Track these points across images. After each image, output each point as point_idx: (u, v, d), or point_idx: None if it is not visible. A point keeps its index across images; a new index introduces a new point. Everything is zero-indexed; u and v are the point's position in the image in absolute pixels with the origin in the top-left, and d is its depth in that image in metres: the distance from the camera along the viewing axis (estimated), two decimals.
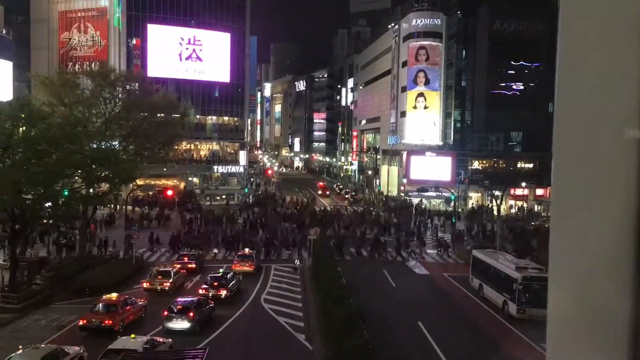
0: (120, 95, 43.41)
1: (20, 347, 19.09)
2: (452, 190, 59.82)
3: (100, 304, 23.66)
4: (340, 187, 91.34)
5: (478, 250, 33.91)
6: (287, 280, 33.15)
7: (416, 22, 71.53)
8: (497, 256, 30.97)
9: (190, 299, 24.99)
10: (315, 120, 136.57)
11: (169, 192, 58.35)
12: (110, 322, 22.70)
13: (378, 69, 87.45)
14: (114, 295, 24.93)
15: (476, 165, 70.36)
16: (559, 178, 1.45)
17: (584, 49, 1.37)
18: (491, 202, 63.20)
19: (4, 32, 70.60)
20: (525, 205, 66.26)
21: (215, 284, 28.18)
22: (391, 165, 79.98)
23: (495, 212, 50.81)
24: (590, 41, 1.36)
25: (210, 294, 27.16)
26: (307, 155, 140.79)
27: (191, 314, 23.16)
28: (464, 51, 70.11)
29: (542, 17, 63.99)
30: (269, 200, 68.17)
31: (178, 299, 24.85)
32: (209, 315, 24.83)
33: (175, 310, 23.36)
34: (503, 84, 68.53)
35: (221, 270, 31.08)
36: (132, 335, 20.25)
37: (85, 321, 22.89)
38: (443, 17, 70.74)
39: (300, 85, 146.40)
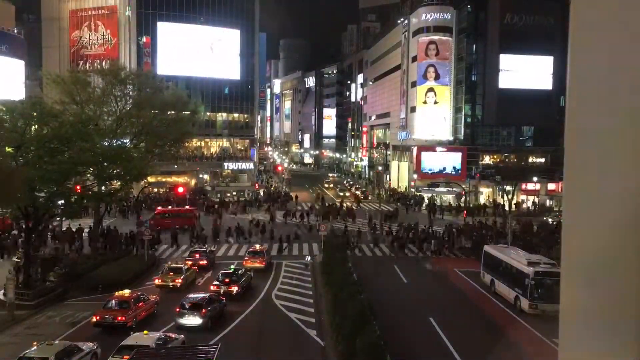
0: (131, 93, 43.61)
1: (35, 343, 19.30)
2: (463, 186, 59.66)
3: (113, 301, 23.92)
4: (351, 183, 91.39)
5: (489, 246, 33.81)
6: (298, 276, 33.21)
7: (426, 16, 71.18)
8: (508, 251, 30.83)
9: (201, 295, 25.20)
10: (324, 117, 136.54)
11: (180, 189, 58.71)
12: (123, 318, 22.95)
13: (388, 65, 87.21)
14: (126, 291, 25.20)
15: (487, 160, 70.06)
16: (571, 172, 1.44)
17: (595, 43, 1.36)
18: (502, 197, 62.95)
19: (16, 31, 71.18)
20: (537, 200, 65.95)
21: (227, 280, 28.33)
22: (401, 160, 79.81)
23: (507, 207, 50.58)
24: (602, 35, 1.35)
25: (222, 290, 27.33)
26: (317, 152, 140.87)
27: (203, 310, 23.36)
28: (474, 45, 69.72)
29: (553, 10, 63.50)
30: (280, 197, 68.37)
31: (189, 296, 25.06)
32: (221, 312, 25.02)
33: (187, 307, 23.54)
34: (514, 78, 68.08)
35: (232, 266, 31.26)
36: (145, 332, 20.45)
37: (98, 317, 23.15)
38: (453, 11, 70.34)
39: (310, 82, 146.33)
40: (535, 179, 64.31)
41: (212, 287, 28.00)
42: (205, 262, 34.41)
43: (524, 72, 68.06)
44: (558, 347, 1.51)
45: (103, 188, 35.80)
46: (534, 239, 42.85)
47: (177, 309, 23.73)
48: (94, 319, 23.17)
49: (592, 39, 1.38)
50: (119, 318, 22.94)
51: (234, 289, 27.80)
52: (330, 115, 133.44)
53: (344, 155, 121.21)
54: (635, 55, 1.31)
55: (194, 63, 75.22)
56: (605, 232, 1.37)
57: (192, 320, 23.24)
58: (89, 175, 34.55)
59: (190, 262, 33.03)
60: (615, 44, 1.33)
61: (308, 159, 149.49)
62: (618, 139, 1.35)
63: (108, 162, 34.01)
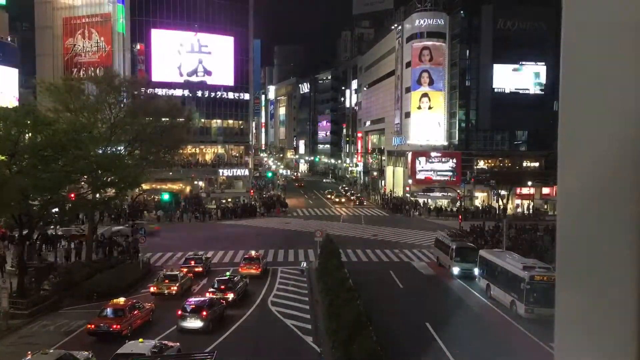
0: (125, 101, 43.53)
1: (29, 352, 19.15)
2: (458, 190, 59.76)
3: (108, 309, 23.81)
4: (346, 189, 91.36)
5: (485, 250, 33.79)
6: (294, 282, 33.13)
7: (419, 22, 71.49)
8: (504, 256, 30.84)
9: (202, 298, 25.44)
10: (319, 122, 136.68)
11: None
12: (118, 326, 22.86)
13: (382, 70, 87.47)
14: (121, 299, 25.21)
15: (482, 164, 70.22)
16: (565, 177, 1.44)
17: (587, 46, 1.37)
18: (497, 201, 63.07)
19: (9, 39, 71.02)
20: (532, 204, 66.15)
21: (222, 287, 28.31)
22: (396, 166, 79.92)
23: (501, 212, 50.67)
24: (594, 39, 1.36)
25: (218, 297, 27.29)
26: (312, 158, 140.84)
27: (204, 313, 23.63)
28: (467, 51, 69.99)
29: (546, 16, 63.85)
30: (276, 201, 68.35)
31: (190, 299, 25.24)
32: (221, 315, 25.25)
33: (189, 310, 23.76)
34: (507, 83, 68.42)
35: (228, 273, 31.27)
36: (140, 340, 20.39)
37: (93, 326, 23.06)
38: (446, 17, 70.66)
39: (304, 88, 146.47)
40: (529, 183, 64.50)
41: (208, 295, 27.86)
42: (200, 269, 34.30)
43: (518, 76, 68.41)
44: (554, 352, 1.50)
45: (97, 196, 35.70)
46: None
47: (179, 312, 23.90)
48: (89, 328, 23.05)
49: (584, 42, 1.38)
50: (114, 326, 22.81)
51: (230, 295, 27.80)
52: (324, 124, 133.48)
53: (339, 161, 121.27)
54: (629, 58, 1.31)
55: (188, 70, 75.29)
56: (601, 235, 1.38)
57: (194, 323, 23.52)
58: (83, 183, 34.44)
59: (185, 269, 32.96)
60: (608, 47, 1.34)
61: (303, 165, 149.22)
62: (613, 143, 1.35)
63: (102, 170, 33.93)
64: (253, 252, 36.84)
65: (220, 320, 25.02)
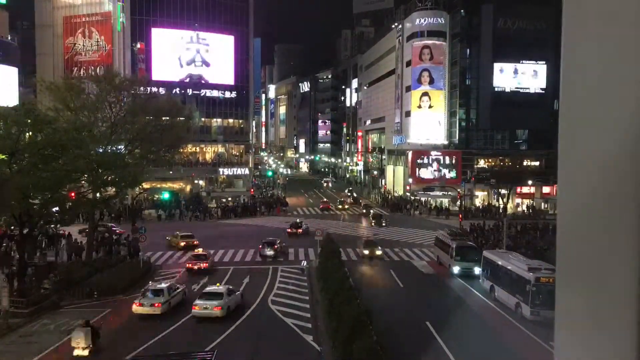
0: (125, 99, 43.50)
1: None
2: (459, 190, 59.73)
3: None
4: (350, 189, 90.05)
5: (489, 251, 33.45)
6: (294, 282, 33.14)
7: (419, 21, 71.46)
8: (508, 257, 30.43)
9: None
10: (319, 121, 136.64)
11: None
12: (206, 264, 34.96)
13: (382, 69, 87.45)
14: (200, 249, 37.30)
15: (482, 163, 70.20)
16: (565, 176, 1.44)
17: (587, 47, 1.37)
18: (497, 200, 63.06)
19: (9, 38, 71.03)
20: (532, 203, 66.15)
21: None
22: (397, 165, 79.89)
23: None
24: (595, 39, 1.35)
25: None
26: (312, 157, 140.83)
27: (275, 246, 39.11)
28: (467, 50, 69.96)
29: (546, 15, 63.82)
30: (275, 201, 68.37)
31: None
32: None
33: (267, 246, 38.89)
34: (508, 82, 68.41)
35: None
36: (217, 284, 28.27)
37: (190, 265, 34.87)
38: (446, 16, 70.63)
39: (305, 87, 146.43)
40: (530, 182, 64.48)
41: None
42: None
43: (518, 76, 68.38)
44: (554, 351, 1.50)
45: (98, 195, 35.69)
46: None
47: (260, 247, 36.08)
48: (188, 266, 34.92)
49: (584, 42, 1.38)
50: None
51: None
52: (325, 123, 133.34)
53: (339, 160, 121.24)
54: (630, 57, 1.31)
55: (188, 69, 75.33)
56: (601, 235, 1.37)
57: (269, 252, 36.19)
58: (83, 182, 34.45)
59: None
60: (608, 47, 1.34)
61: (303, 164, 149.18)
62: (612, 142, 1.35)
63: (102, 169, 33.95)
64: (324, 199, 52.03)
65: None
